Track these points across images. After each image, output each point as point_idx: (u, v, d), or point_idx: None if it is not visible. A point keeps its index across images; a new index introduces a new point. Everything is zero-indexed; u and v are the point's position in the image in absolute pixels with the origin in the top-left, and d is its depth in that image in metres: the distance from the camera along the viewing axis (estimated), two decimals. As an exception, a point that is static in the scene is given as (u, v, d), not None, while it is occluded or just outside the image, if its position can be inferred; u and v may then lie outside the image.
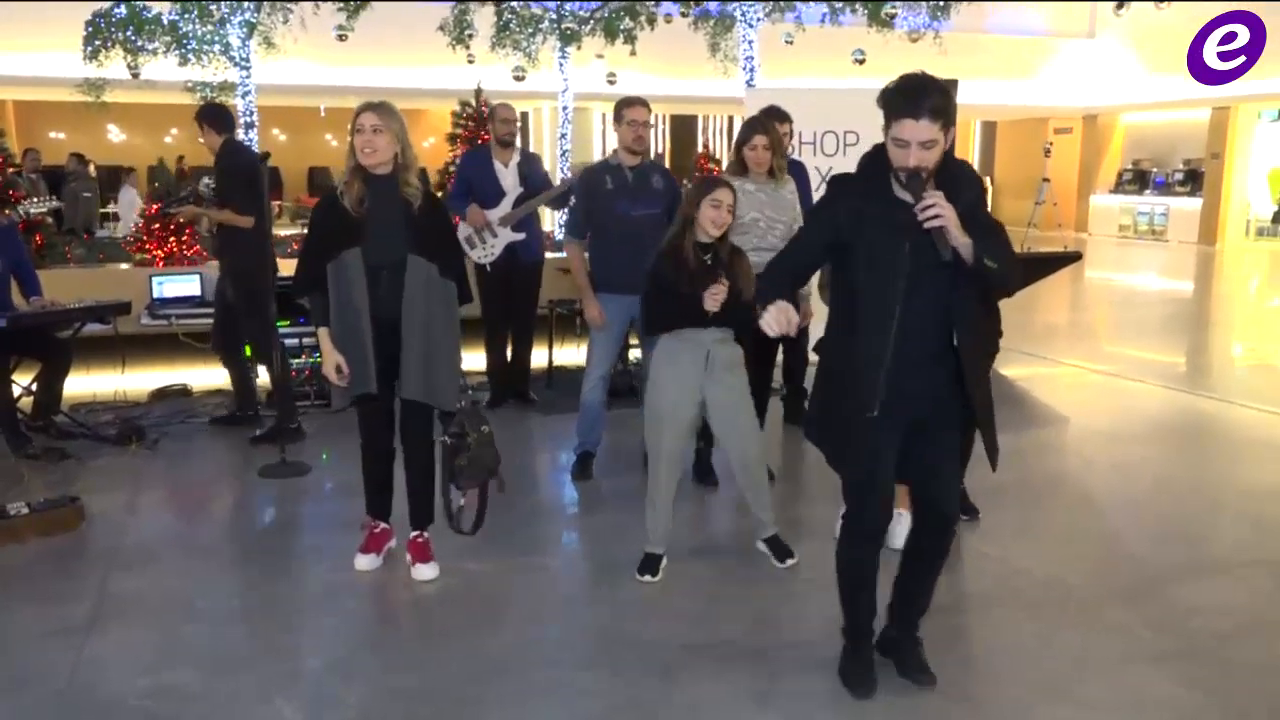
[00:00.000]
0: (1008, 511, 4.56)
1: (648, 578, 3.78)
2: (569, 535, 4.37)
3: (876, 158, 2.72)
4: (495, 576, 3.88)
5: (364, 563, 3.85)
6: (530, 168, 6.16)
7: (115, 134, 22.29)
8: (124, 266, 8.47)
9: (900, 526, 3.92)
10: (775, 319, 2.67)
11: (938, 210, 2.54)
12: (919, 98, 2.56)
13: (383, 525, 3.93)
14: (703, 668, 3.15)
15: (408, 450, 3.81)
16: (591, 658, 3.23)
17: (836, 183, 2.88)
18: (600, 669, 3.15)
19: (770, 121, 4.70)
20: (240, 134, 10.06)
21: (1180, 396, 7.03)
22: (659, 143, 24.05)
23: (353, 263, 3.52)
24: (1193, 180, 20.40)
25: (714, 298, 3.56)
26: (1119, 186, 21.86)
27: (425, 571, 3.79)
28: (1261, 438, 5.91)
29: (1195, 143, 20.31)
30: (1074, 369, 7.94)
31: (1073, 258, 8.89)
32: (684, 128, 23.93)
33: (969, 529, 4.26)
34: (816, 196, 4.68)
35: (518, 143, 6.22)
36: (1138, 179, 21.58)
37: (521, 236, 6.07)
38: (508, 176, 6.02)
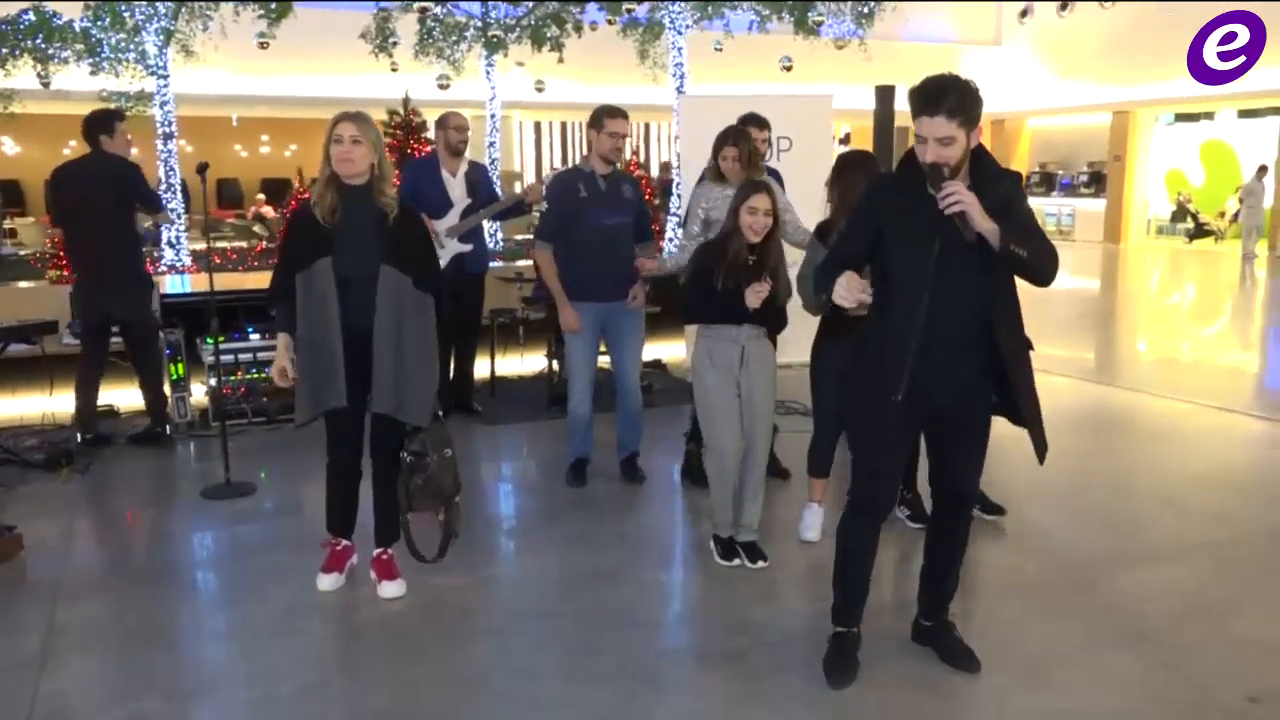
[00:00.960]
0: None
1: (737, 562, 3.94)
2: (531, 546, 4.33)
3: (911, 156, 2.84)
4: (462, 591, 3.83)
5: (327, 582, 3.75)
6: (478, 177, 6.07)
7: (9, 146, 21.42)
8: (28, 284, 8.13)
9: (814, 517, 4.22)
10: (847, 289, 2.75)
11: (958, 197, 2.66)
12: (937, 97, 2.69)
13: (344, 543, 3.83)
14: (683, 674, 3.16)
15: (376, 465, 3.71)
16: (570, 669, 3.20)
17: (875, 180, 3.15)
18: (580, 680, 3.13)
19: (744, 131, 4.70)
20: (159, 145, 9.79)
21: (1094, 389, 7.31)
22: (577, 150, 24.09)
23: (323, 273, 3.43)
24: (1096, 182, 21.23)
25: (756, 294, 3.69)
26: (1026, 188, 22.56)
27: (391, 589, 3.72)
28: (1174, 427, 6.17)
29: (1098, 146, 21.13)
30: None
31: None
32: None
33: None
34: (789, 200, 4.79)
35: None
36: (1044, 181, 22.37)
37: (469, 248, 5.98)
38: (456, 187, 5.91)
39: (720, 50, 11.71)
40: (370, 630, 3.52)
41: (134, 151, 5.53)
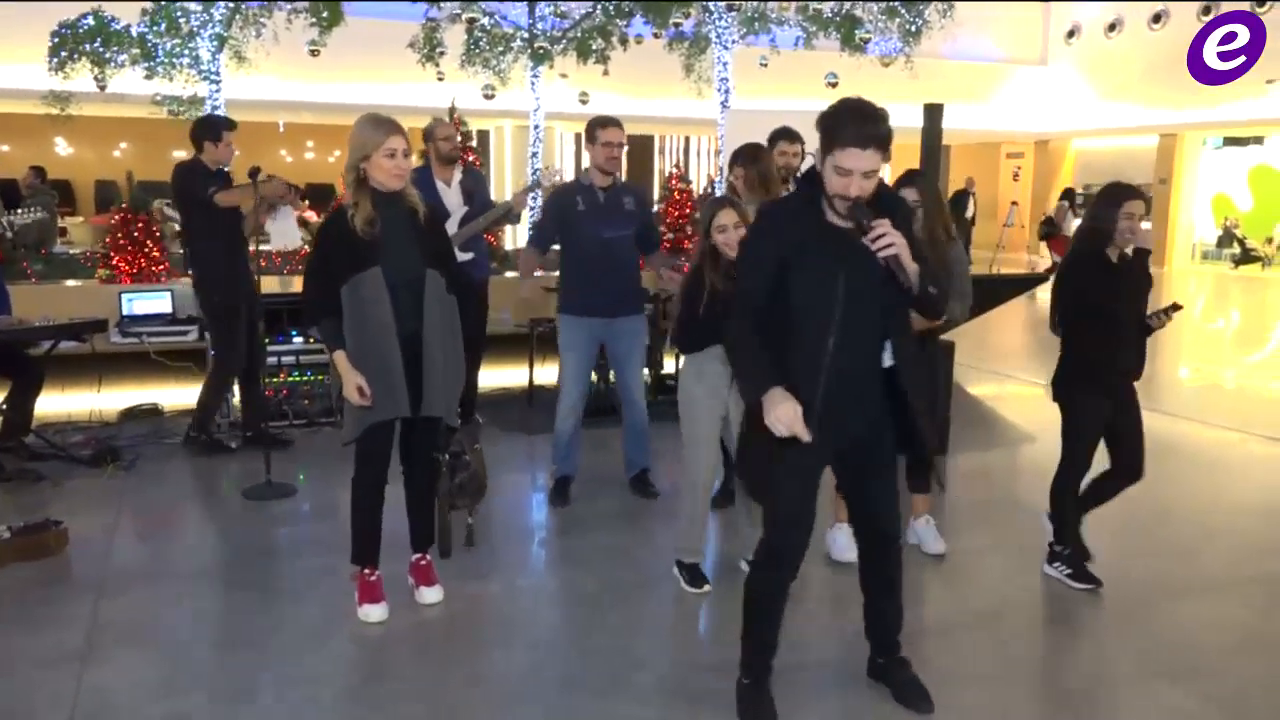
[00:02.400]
0: (1003, 530, 4.61)
1: (706, 588, 3.84)
2: (567, 557, 4.31)
3: (812, 182, 2.67)
4: (499, 600, 3.83)
5: (377, 612, 3.57)
6: (475, 184, 5.98)
7: (63, 147, 21.80)
8: (77, 283, 8.25)
9: (844, 538, 4.03)
10: (786, 421, 2.52)
11: (890, 239, 2.53)
12: (867, 126, 2.50)
13: (377, 571, 3.66)
14: (723, 691, 3.11)
15: (413, 470, 3.71)
16: (609, 683, 3.18)
17: (767, 214, 2.78)
18: (620, 695, 3.10)
19: (757, 152, 4.54)
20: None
21: (1148, 416, 7.17)
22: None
23: (374, 283, 3.35)
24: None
25: None
26: (1072, 209, 22.33)
27: (431, 595, 3.72)
28: (1220, 455, 6.06)
29: (1143, 168, 20.82)
30: (1036, 387, 8.07)
31: (1041, 279, 9.08)
32: (641, 149, 24.05)
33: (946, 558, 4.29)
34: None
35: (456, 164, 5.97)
36: (1088, 203, 22.08)
37: (470, 256, 5.93)
38: (451, 195, 5.79)
39: (765, 65, 11.69)
40: (408, 637, 3.51)
41: (234, 155, 5.48)
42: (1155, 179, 20.43)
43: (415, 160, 3.48)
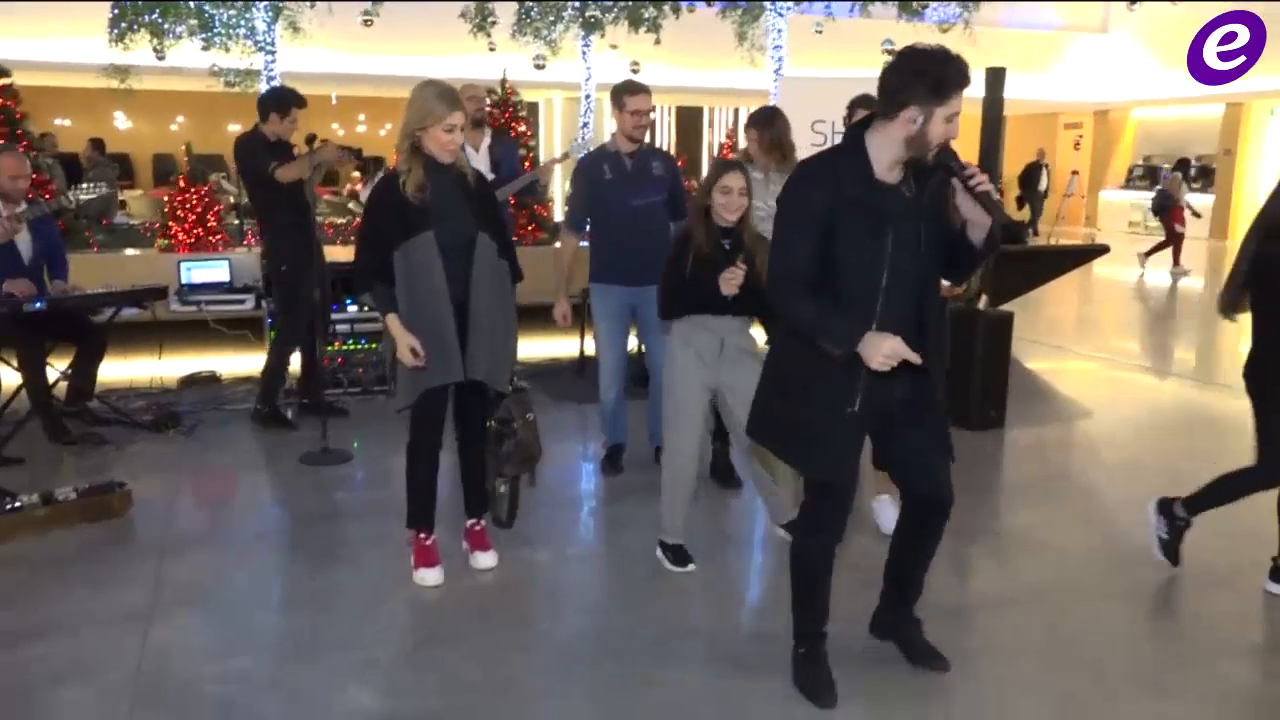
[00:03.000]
0: (1060, 502, 4.54)
1: (691, 567, 3.76)
2: (616, 525, 4.31)
3: (858, 142, 2.61)
4: (553, 565, 3.85)
5: (433, 576, 3.61)
6: (504, 151, 5.96)
7: (122, 121, 22.17)
8: (137, 252, 8.40)
9: (891, 510, 3.94)
10: (897, 351, 2.48)
11: (983, 177, 2.53)
12: (963, 67, 2.48)
13: (432, 535, 3.70)
14: (775, 658, 3.10)
15: (466, 435, 3.73)
16: (662, 650, 3.18)
17: (810, 173, 2.67)
18: (672, 660, 3.11)
19: (773, 116, 4.54)
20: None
21: (1194, 389, 7.00)
22: (664, 135, 24.00)
23: (425, 247, 3.36)
24: (1204, 176, 20.36)
25: (729, 282, 3.43)
26: (1129, 182, 21.82)
27: (485, 560, 3.75)
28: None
29: (1207, 139, 20.26)
30: (1094, 361, 7.92)
31: (1100, 250, 8.88)
32: (690, 119, 23.86)
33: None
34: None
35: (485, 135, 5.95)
36: (1149, 174, 21.54)
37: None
38: (478, 160, 5.74)
39: (820, 32, 11.50)
40: (463, 601, 3.54)
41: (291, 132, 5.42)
42: (1220, 150, 19.88)
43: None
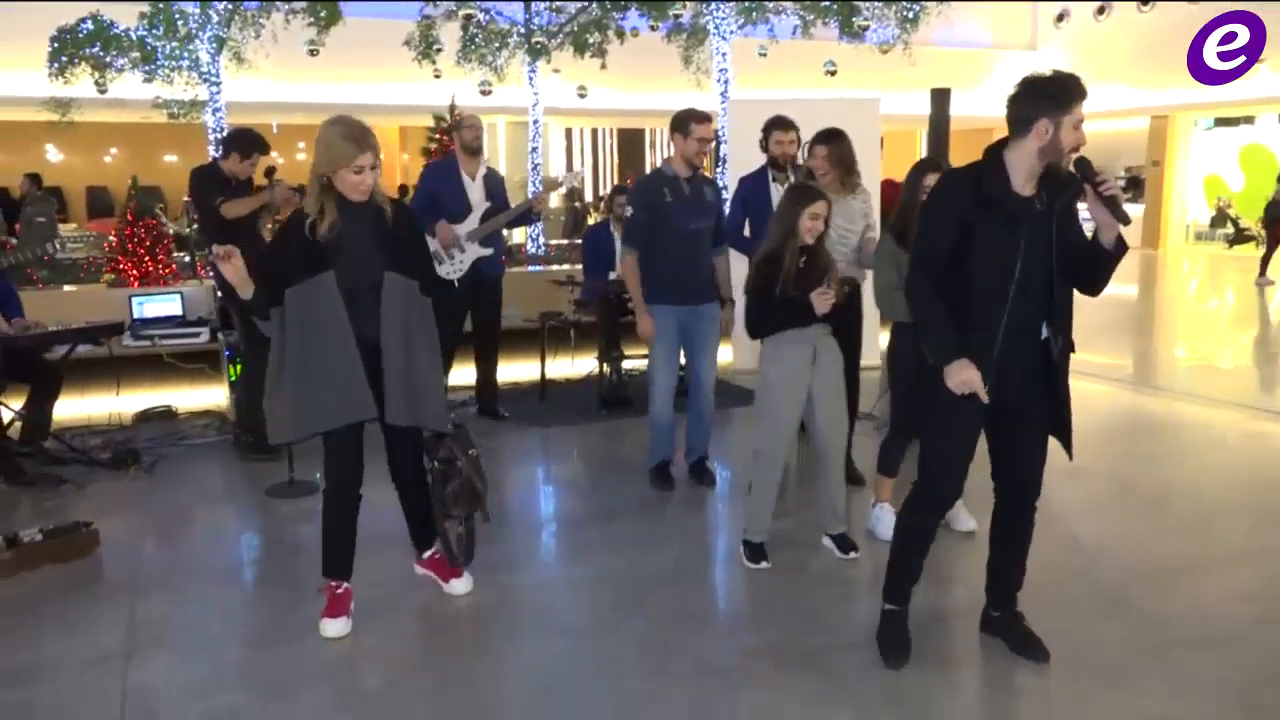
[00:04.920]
0: (1044, 506, 4.68)
1: (764, 564, 3.97)
2: (593, 547, 4.33)
3: (998, 157, 2.90)
4: (531, 591, 3.87)
5: (336, 628, 3.44)
6: (493, 183, 6.05)
7: (54, 153, 21.75)
8: (85, 288, 8.26)
9: (889, 517, 4.10)
10: (969, 382, 2.85)
11: (1113, 184, 2.84)
12: (1080, 81, 2.82)
13: (345, 585, 3.55)
14: (763, 673, 3.16)
15: (401, 476, 3.64)
16: (649, 668, 3.22)
17: (956, 179, 3.00)
18: (658, 677, 3.15)
19: (838, 134, 4.63)
20: (211, 151, 9.93)
21: (1133, 394, 7.25)
22: (608, 156, 24.15)
23: (325, 287, 3.24)
24: (1134, 187, 21.01)
25: (824, 300, 3.73)
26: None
27: (461, 585, 3.74)
28: (1219, 433, 6.15)
29: (1136, 150, 20.93)
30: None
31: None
32: (632, 141, 24.09)
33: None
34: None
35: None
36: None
37: (489, 252, 5.97)
38: (475, 190, 5.88)
39: (765, 55, 11.72)
40: (444, 629, 3.55)
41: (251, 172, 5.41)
42: (1148, 161, 20.53)
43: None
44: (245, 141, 5.32)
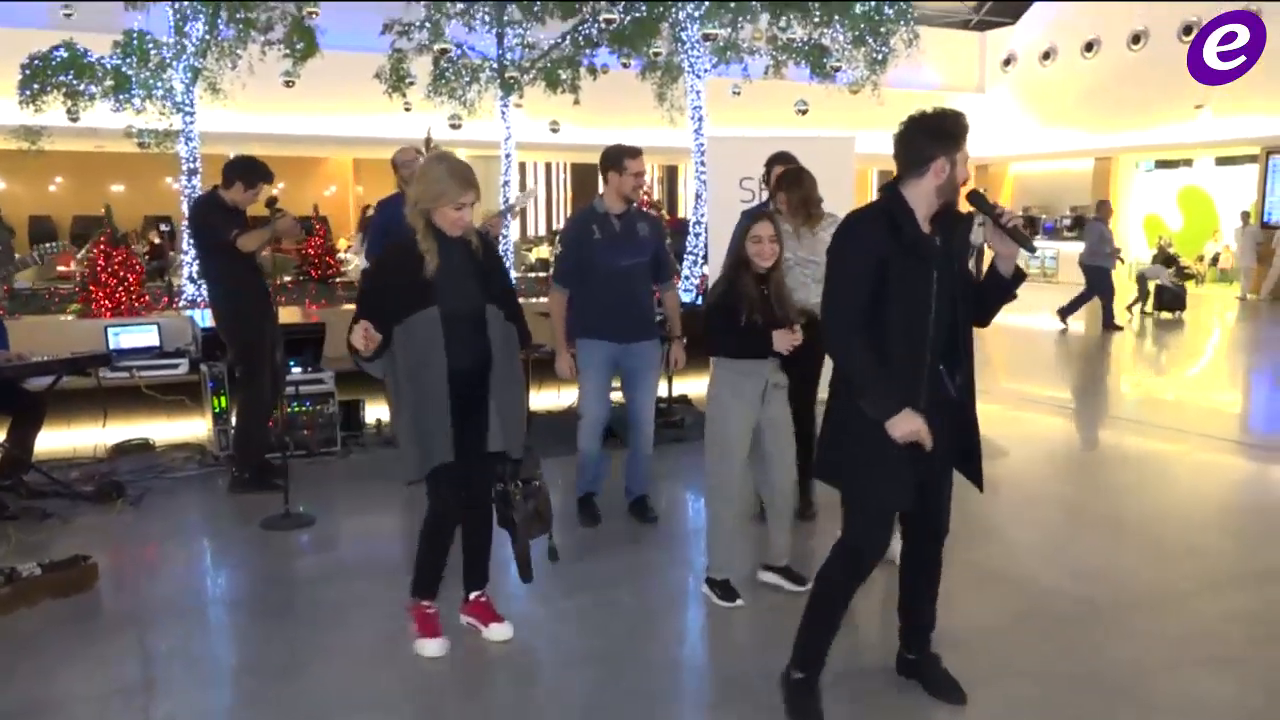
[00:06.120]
0: (1024, 533, 4.79)
1: (739, 602, 3.86)
2: (599, 578, 4.29)
3: (897, 196, 2.84)
4: (544, 620, 3.86)
5: (435, 647, 3.49)
6: None
7: (-1, 183, 21.29)
8: (58, 318, 8.10)
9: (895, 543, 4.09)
10: (915, 432, 2.75)
11: (1014, 213, 2.88)
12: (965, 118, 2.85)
13: (434, 605, 3.61)
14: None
15: (473, 503, 3.60)
16: (673, 691, 3.24)
17: (866, 220, 2.88)
18: (686, 701, 3.17)
19: (800, 175, 4.68)
20: (183, 181, 9.82)
21: (1079, 426, 7.45)
22: (563, 190, 24.29)
23: (429, 323, 3.30)
24: (1079, 226, 21.62)
25: (788, 341, 3.71)
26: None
27: (502, 631, 3.63)
28: (1175, 461, 6.36)
29: (1080, 190, 21.58)
30: (1003, 406, 8.33)
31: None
32: (588, 175, 24.24)
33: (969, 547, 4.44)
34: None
35: None
36: (1028, 224, 22.76)
37: None
38: None
39: (738, 94, 11.93)
40: (472, 656, 3.52)
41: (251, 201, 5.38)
42: (1093, 201, 21.16)
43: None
44: (250, 170, 5.29)
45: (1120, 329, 12.94)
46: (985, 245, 2.95)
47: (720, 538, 3.94)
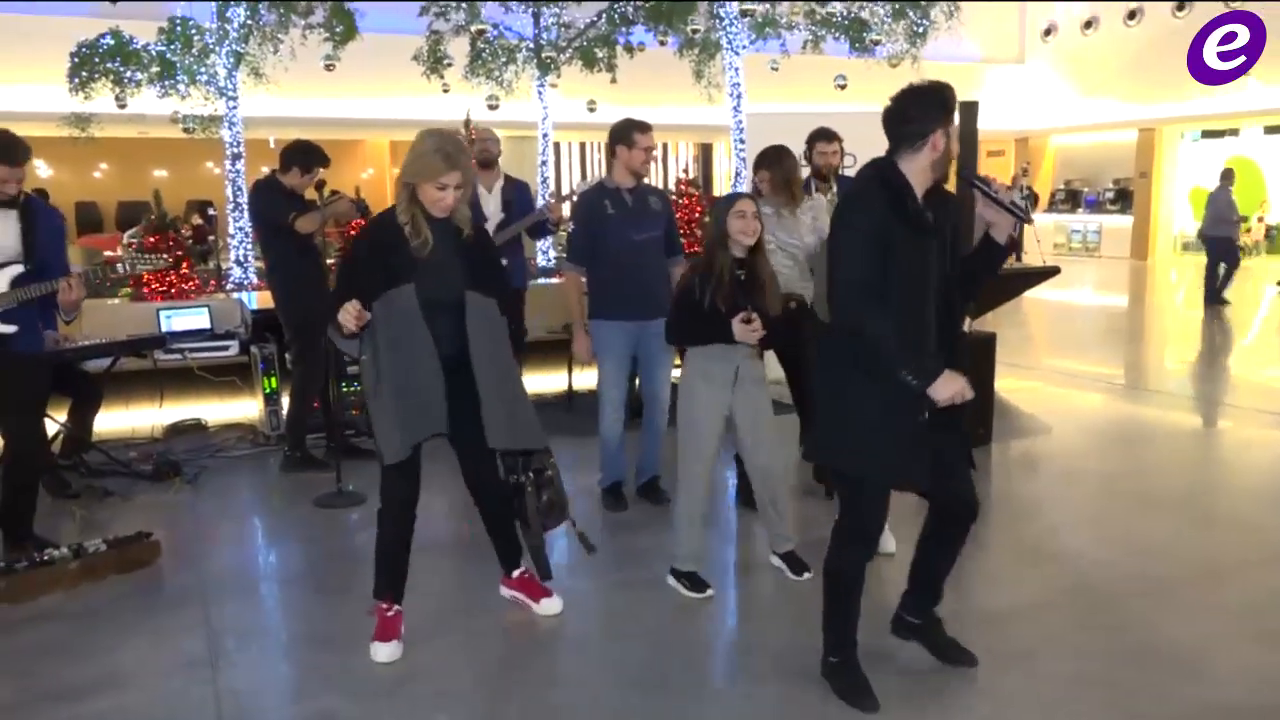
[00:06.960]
0: (1067, 510, 4.77)
1: (709, 592, 3.81)
2: (643, 554, 4.33)
3: (892, 169, 2.81)
4: (603, 593, 3.91)
5: (387, 651, 3.34)
6: (516, 194, 5.99)
7: (42, 169, 21.64)
8: (113, 301, 8.24)
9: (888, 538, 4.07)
10: (961, 390, 2.72)
11: (1006, 186, 2.87)
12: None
13: (396, 607, 3.46)
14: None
15: (484, 497, 3.64)
16: (727, 665, 3.29)
17: (869, 192, 2.83)
18: (738, 675, 3.22)
19: (781, 154, 4.62)
20: (228, 166, 9.95)
21: (1126, 403, 7.37)
22: (598, 170, 24.26)
23: (406, 299, 3.20)
24: (1123, 199, 21.30)
25: (750, 332, 3.56)
26: (1052, 205, 22.69)
27: (553, 605, 3.67)
28: (1224, 438, 6.26)
29: (1123, 163, 21.22)
30: (1048, 379, 8.26)
31: (1051, 272, 9.25)
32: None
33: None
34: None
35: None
36: (1070, 198, 22.45)
37: (504, 263, 5.95)
38: (490, 202, 5.78)
39: (777, 70, 11.84)
40: (528, 629, 3.59)
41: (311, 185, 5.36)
42: (1135, 173, 20.82)
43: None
44: (306, 155, 5.37)
45: (1228, 303, 12.48)
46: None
47: (684, 528, 3.86)
